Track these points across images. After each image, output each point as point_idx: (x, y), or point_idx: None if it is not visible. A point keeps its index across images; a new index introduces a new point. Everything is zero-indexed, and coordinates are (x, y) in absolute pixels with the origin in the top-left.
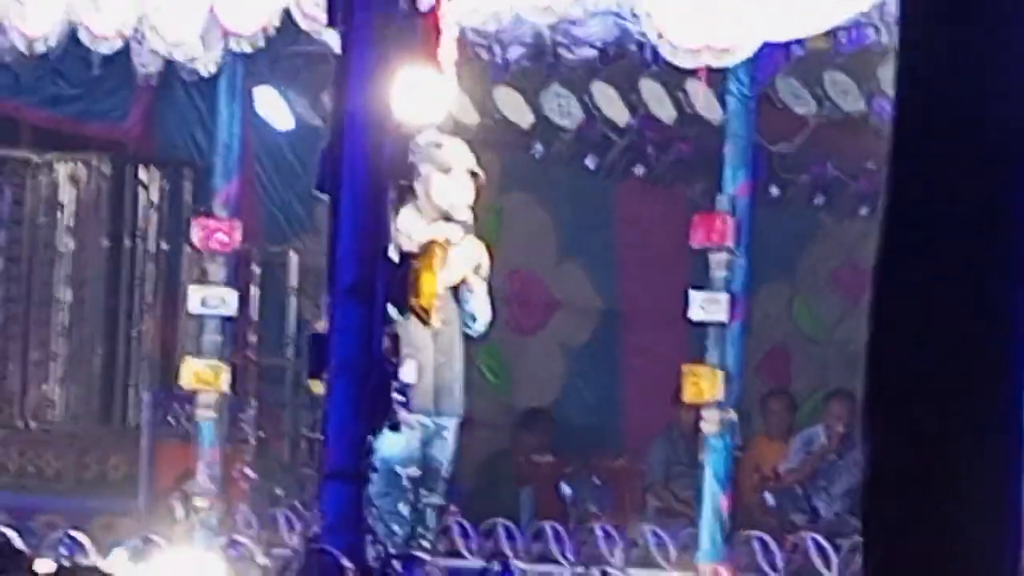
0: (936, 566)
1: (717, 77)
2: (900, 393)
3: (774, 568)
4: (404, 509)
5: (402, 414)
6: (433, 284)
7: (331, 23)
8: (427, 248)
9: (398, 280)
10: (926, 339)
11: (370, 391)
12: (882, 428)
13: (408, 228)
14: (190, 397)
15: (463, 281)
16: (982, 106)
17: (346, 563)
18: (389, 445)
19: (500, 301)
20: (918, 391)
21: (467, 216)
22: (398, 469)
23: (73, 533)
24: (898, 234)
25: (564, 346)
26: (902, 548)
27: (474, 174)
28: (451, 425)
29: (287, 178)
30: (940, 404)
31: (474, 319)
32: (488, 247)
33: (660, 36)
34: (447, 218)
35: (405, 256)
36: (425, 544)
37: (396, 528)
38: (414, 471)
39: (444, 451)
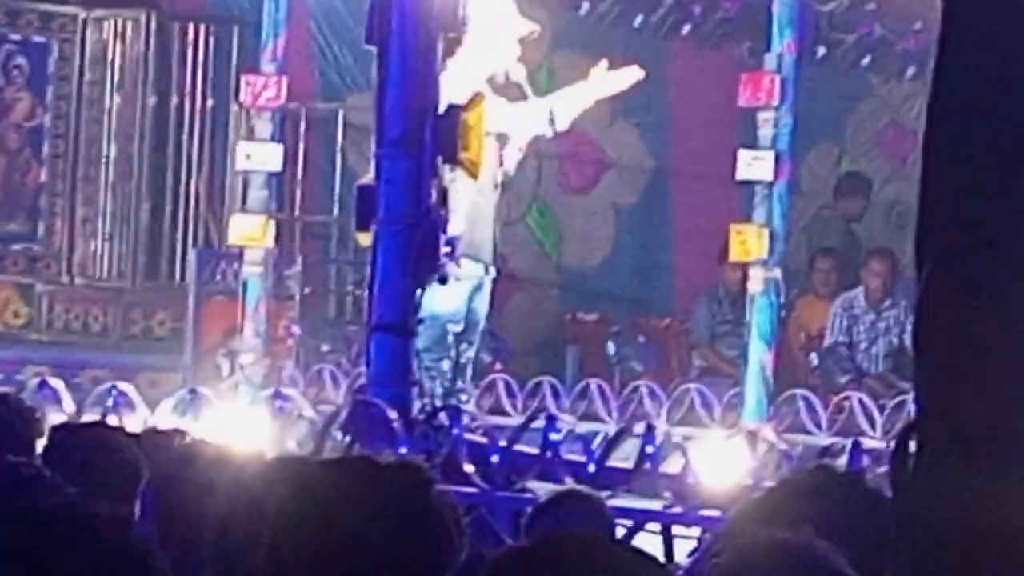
0: (989, 397)
1: None
2: (951, 235)
3: (818, 427)
4: (446, 364)
5: (450, 267)
6: (480, 136)
7: None
8: (474, 100)
9: (446, 132)
10: (977, 182)
11: (417, 243)
12: (932, 269)
13: (456, 80)
14: (236, 253)
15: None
16: None
17: (391, 414)
18: (436, 299)
19: (552, 160)
20: (969, 232)
21: (516, 71)
22: (445, 324)
23: (120, 386)
24: (950, 81)
25: (615, 205)
26: (956, 385)
27: (524, 29)
28: (489, 278)
29: (337, 34)
30: (991, 244)
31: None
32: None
33: None
34: (495, 71)
35: (453, 108)
36: (464, 398)
37: (437, 383)
38: (459, 326)
39: (483, 304)
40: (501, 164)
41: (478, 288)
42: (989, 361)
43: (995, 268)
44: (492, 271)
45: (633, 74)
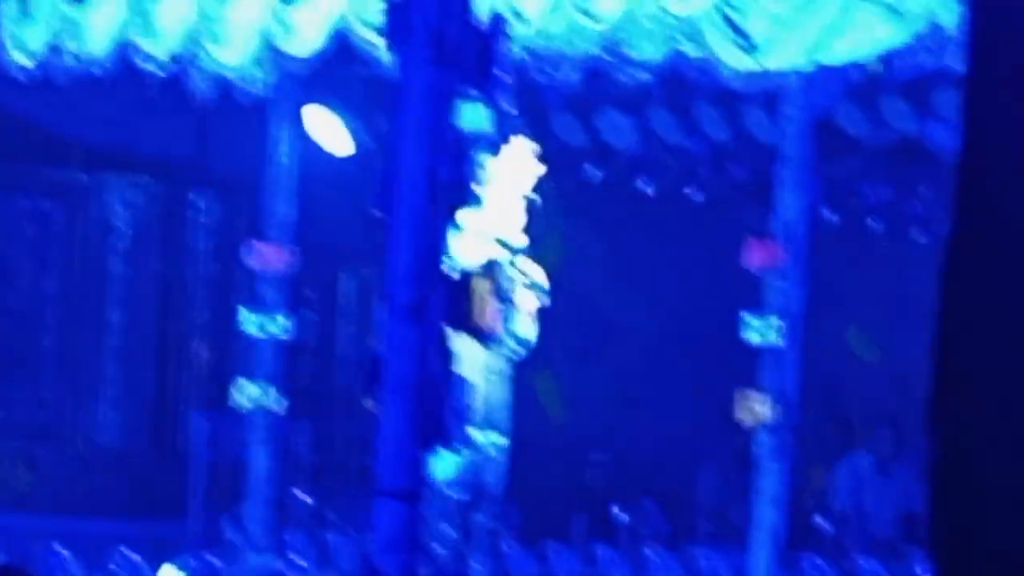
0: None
1: (773, 101)
2: (967, 398)
3: None
4: (451, 531)
5: (456, 434)
6: (491, 304)
7: (389, 44)
8: (486, 268)
9: (455, 299)
10: (994, 342)
11: (424, 410)
12: (947, 433)
13: (465, 248)
14: (243, 417)
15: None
16: None
17: None
18: (441, 466)
19: (556, 324)
20: (986, 395)
21: (521, 237)
22: (448, 491)
23: (125, 552)
24: (967, 244)
25: (619, 367)
26: (972, 551)
27: (529, 197)
28: (500, 445)
29: (346, 198)
30: (1008, 408)
31: (518, 339)
32: (545, 270)
33: (716, 60)
34: (502, 239)
35: (463, 275)
36: (475, 566)
37: (442, 550)
38: (464, 494)
39: (494, 472)
40: (508, 328)
41: (487, 457)
42: (1002, 534)
43: (1006, 443)
44: (501, 438)
45: (523, 147)
